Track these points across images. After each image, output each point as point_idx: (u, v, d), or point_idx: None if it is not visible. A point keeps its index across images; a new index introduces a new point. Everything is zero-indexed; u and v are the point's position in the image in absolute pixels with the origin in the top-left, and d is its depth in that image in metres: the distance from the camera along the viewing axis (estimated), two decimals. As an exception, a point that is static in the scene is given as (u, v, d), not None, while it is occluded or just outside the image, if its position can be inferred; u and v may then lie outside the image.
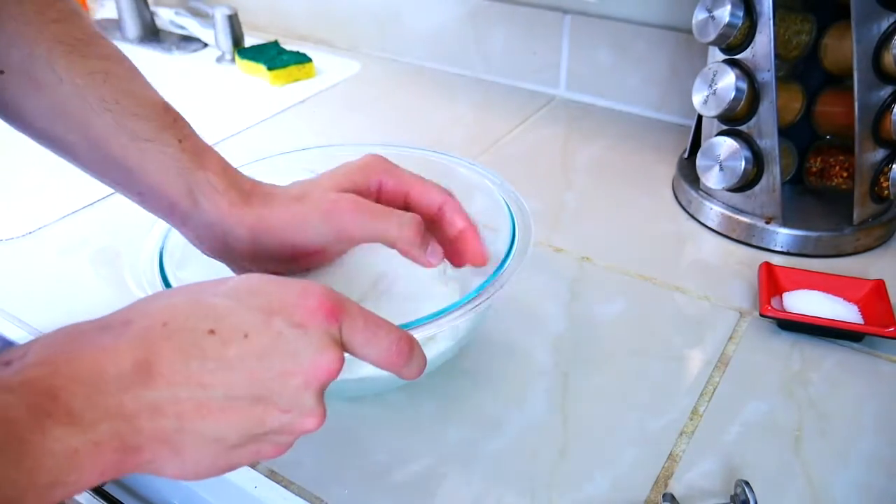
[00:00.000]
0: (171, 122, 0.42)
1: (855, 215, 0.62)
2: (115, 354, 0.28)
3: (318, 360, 0.31)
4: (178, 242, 0.48)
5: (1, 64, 0.39)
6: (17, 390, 0.26)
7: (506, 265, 0.45)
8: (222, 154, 0.44)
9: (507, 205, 0.51)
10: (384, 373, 0.36)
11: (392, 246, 0.43)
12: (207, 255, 0.45)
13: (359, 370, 0.44)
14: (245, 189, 0.43)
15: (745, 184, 0.62)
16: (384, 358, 0.34)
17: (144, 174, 0.41)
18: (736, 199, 0.65)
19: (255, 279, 0.33)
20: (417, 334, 0.37)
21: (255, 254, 0.43)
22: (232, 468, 0.32)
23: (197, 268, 0.47)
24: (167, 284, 0.44)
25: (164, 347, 0.29)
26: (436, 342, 0.46)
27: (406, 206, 0.45)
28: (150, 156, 0.41)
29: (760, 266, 0.58)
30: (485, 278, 0.44)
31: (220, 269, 0.48)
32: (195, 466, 0.30)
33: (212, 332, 0.30)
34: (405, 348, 0.35)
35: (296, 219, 0.42)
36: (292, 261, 0.44)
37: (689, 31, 0.62)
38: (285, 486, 0.43)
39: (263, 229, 0.42)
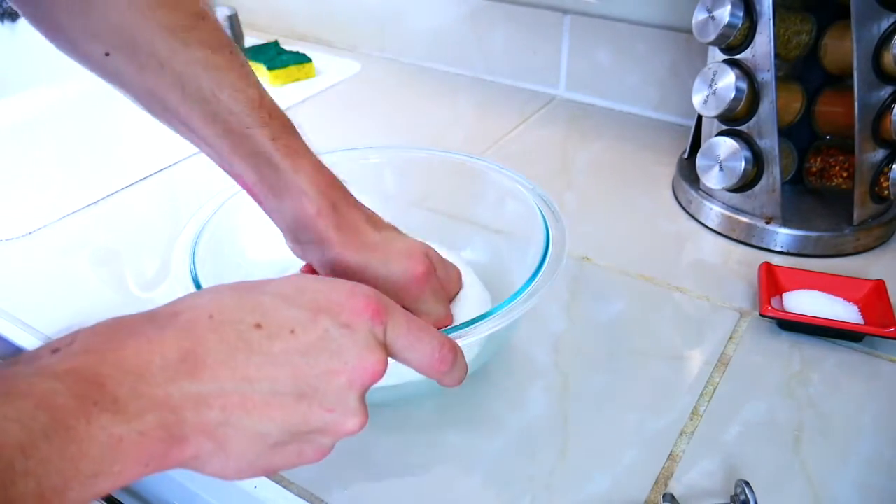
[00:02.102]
0: (266, 120, 0.42)
1: (855, 215, 0.62)
2: (162, 345, 0.28)
3: (364, 360, 0.31)
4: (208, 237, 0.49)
5: (106, 46, 0.39)
6: (63, 378, 0.25)
7: (541, 272, 0.45)
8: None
9: (541, 211, 0.51)
10: (417, 379, 0.35)
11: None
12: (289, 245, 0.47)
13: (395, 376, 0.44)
14: (334, 202, 0.44)
15: (745, 184, 0.62)
16: (427, 363, 0.34)
17: (233, 166, 0.42)
18: (736, 199, 0.65)
19: (304, 278, 0.33)
20: (459, 341, 0.37)
21: (322, 266, 0.45)
22: (273, 469, 0.32)
23: (211, 266, 0.48)
24: (196, 276, 0.45)
25: (210, 339, 0.29)
26: (469, 349, 0.46)
27: None
28: (240, 151, 0.42)
29: (760, 266, 0.58)
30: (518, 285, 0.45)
31: (232, 266, 0.48)
32: (237, 462, 0.30)
33: (258, 326, 0.30)
34: (448, 354, 0.34)
35: (369, 260, 0.44)
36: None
37: (689, 31, 0.62)
38: (285, 487, 0.43)
39: (334, 253, 0.44)
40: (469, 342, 0.40)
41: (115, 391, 0.26)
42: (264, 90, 0.43)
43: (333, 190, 0.44)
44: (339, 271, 0.44)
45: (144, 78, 0.40)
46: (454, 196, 0.59)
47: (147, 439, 0.26)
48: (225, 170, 0.43)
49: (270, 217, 0.45)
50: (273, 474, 0.31)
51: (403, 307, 0.45)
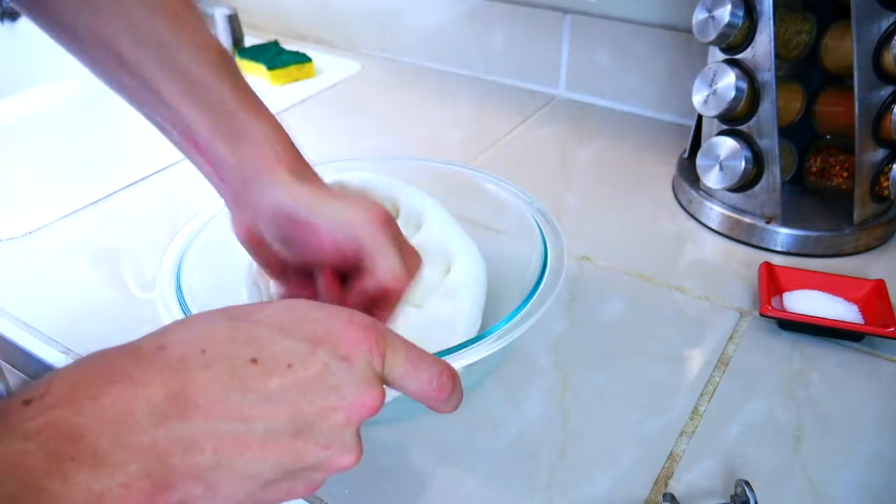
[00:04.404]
0: (224, 69, 0.40)
1: (855, 215, 0.62)
2: (147, 387, 0.26)
3: (362, 396, 0.30)
4: (195, 252, 0.49)
5: None
6: (34, 436, 0.24)
7: (537, 292, 0.45)
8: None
9: (539, 226, 0.51)
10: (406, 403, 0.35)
11: (381, 284, 0.42)
12: (233, 224, 0.44)
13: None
14: (293, 153, 0.42)
15: (745, 184, 0.62)
16: (425, 391, 0.33)
17: (183, 116, 0.40)
18: (736, 198, 0.65)
19: (301, 306, 0.32)
20: (455, 363, 0.37)
21: (274, 215, 0.42)
22: None
23: (203, 274, 0.48)
24: (180, 293, 0.44)
25: (201, 377, 0.27)
26: (471, 370, 0.45)
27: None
28: (195, 99, 0.39)
29: (760, 266, 0.58)
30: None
31: (223, 279, 0.48)
32: (226, 502, 0.28)
33: (254, 360, 0.28)
34: (447, 381, 0.33)
35: (326, 200, 0.42)
36: (289, 242, 0.43)
37: (689, 31, 0.62)
38: (285, 486, 0.43)
39: (296, 189, 0.41)
40: (465, 363, 0.40)
41: (94, 443, 0.24)
42: (219, 41, 0.42)
43: (291, 143, 0.43)
44: (293, 218, 0.41)
45: (97, 24, 0.38)
46: (450, 207, 0.59)
47: (130, 491, 0.25)
48: (168, 124, 0.41)
49: (215, 174, 0.42)
50: None
51: (362, 256, 0.41)
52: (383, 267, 0.42)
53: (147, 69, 0.38)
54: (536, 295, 0.44)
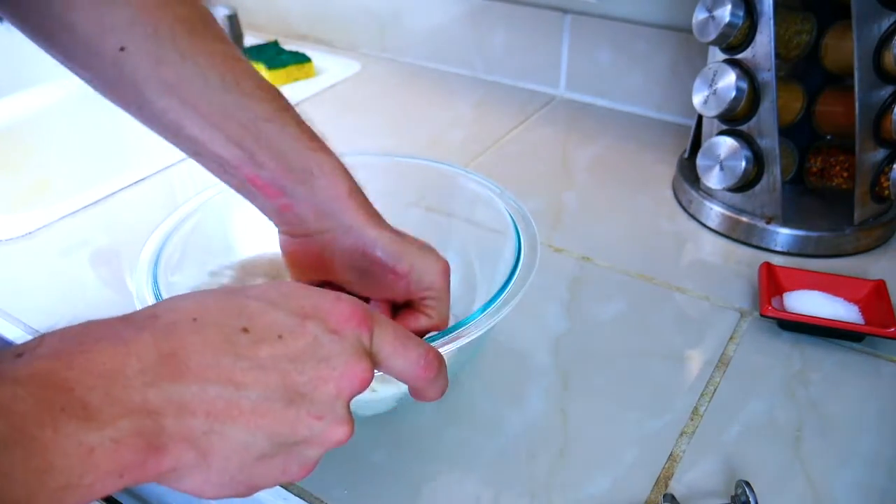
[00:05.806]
0: (287, 105, 0.41)
1: (855, 215, 0.62)
2: (139, 346, 0.26)
3: (352, 367, 0.30)
4: (175, 247, 0.48)
5: (122, 41, 0.38)
6: (26, 383, 0.24)
7: (511, 282, 0.45)
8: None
9: (512, 217, 0.51)
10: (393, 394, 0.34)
11: (434, 327, 0.43)
12: (285, 247, 0.44)
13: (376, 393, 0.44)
14: (357, 185, 0.43)
15: (745, 184, 0.62)
16: (412, 370, 0.34)
17: (255, 156, 0.40)
18: (736, 199, 0.65)
19: (288, 285, 0.32)
20: (441, 348, 0.37)
21: (352, 249, 0.42)
22: (255, 487, 0.30)
23: (191, 272, 0.48)
24: (156, 286, 0.44)
25: (193, 341, 0.27)
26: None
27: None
28: (264, 138, 0.40)
29: (761, 266, 0.58)
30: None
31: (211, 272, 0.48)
32: (219, 476, 0.28)
33: (245, 330, 0.29)
34: (433, 362, 0.34)
35: (403, 246, 0.42)
36: (362, 273, 0.43)
37: (690, 31, 0.62)
38: (285, 487, 0.43)
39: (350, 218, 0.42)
40: (450, 349, 0.40)
41: (84, 396, 0.24)
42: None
43: (351, 176, 0.43)
44: (371, 256, 0.42)
45: (162, 71, 0.38)
46: (430, 201, 0.59)
47: (122, 447, 0.25)
48: (234, 164, 0.40)
49: (283, 211, 0.42)
50: (252, 494, 0.30)
51: (425, 299, 0.43)
52: (441, 313, 0.44)
53: (215, 114, 0.39)
54: (511, 284, 0.44)
